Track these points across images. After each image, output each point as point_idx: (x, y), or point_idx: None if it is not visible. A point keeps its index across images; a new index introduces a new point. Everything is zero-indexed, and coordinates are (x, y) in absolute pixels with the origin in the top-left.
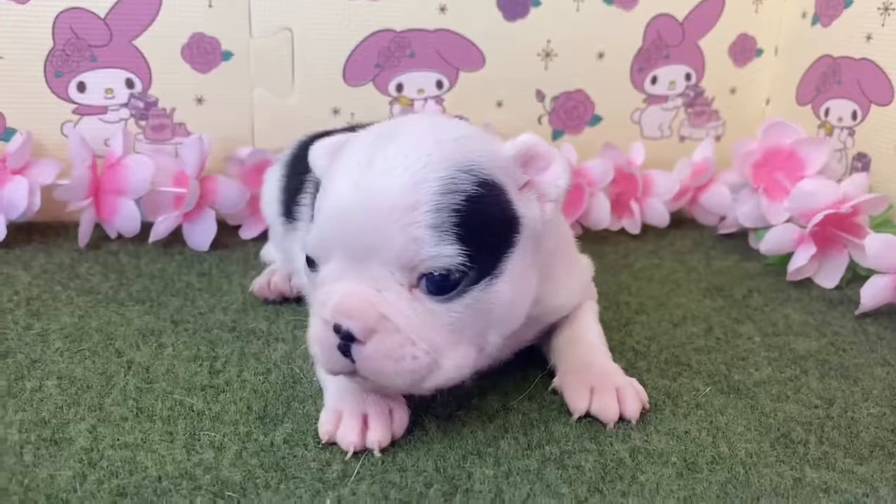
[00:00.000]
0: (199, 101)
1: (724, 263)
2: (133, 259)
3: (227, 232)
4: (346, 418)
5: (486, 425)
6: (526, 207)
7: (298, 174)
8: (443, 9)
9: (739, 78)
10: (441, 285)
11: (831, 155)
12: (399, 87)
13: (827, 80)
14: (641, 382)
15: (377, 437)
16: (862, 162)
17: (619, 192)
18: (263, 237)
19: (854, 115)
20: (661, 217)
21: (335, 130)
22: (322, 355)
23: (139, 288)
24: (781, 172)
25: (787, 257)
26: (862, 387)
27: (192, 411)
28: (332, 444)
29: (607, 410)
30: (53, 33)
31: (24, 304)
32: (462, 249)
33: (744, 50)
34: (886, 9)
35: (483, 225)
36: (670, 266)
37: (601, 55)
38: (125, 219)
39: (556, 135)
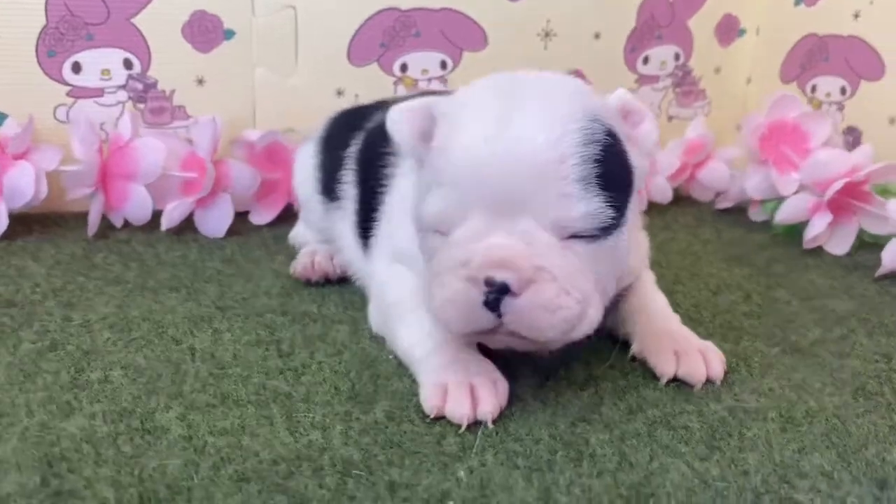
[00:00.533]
0: (200, 82)
1: (734, 235)
2: (148, 248)
3: (236, 218)
4: (454, 391)
5: (580, 393)
6: (636, 158)
7: (335, 151)
8: None
9: (723, 57)
10: (590, 237)
11: (833, 128)
12: (403, 67)
13: (813, 57)
14: None
15: (489, 408)
16: (853, 135)
17: None
18: (277, 223)
19: (843, 91)
20: (664, 193)
21: (367, 106)
22: (459, 315)
23: (167, 276)
24: (787, 145)
25: (794, 227)
26: None
27: (279, 394)
28: (439, 417)
29: (695, 373)
30: (46, 9)
31: (52, 295)
32: (607, 200)
33: (728, 30)
34: None
35: (617, 174)
36: (685, 239)
37: (597, 35)
38: (136, 206)
39: None
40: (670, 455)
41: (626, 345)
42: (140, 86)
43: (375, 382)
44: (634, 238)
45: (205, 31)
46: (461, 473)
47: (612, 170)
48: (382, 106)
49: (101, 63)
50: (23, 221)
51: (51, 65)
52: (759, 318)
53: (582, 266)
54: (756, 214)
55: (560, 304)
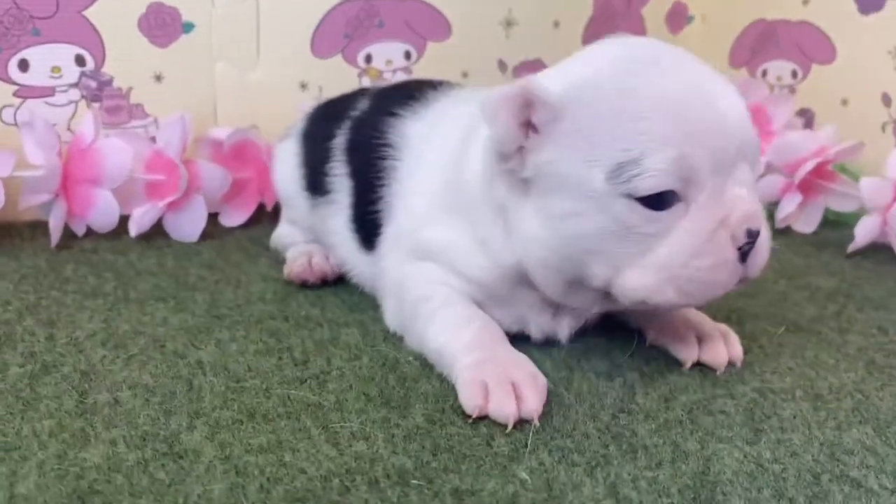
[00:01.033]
0: (158, 78)
1: None
2: (119, 256)
3: (206, 221)
4: (496, 389)
5: (611, 384)
6: None
7: (320, 144)
8: None
9: (675, 44)
10: None
11: (793, 110)
12: (368, 59)
13: (763, 42)
14: None
15: (534, 405)
16: (805, 117)
17: None
18: (249, 224)
19: (794, 74)
20: None
21: (347, 95)
22: (728, 276)
23: (148, 286)
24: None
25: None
26: (894, 314)
27: (309, 405)
28: (481, 417)
29: (718, 357)
30: None
31: (28, 313)
32: None
33: (678, 17)
34: None
35: None
36: None
37: (557, 24)
38: (101, 212)
39: None
40: (719, 441)
41: (640, 334)
42: (94, 84)
43: (404, 385)
44: None
45: (162, 25)
46: (523, 475)
47: None
48: (364, 94)
49: (50, 60)
50: None
51: None
52: (753, 298)
53: None
54: None
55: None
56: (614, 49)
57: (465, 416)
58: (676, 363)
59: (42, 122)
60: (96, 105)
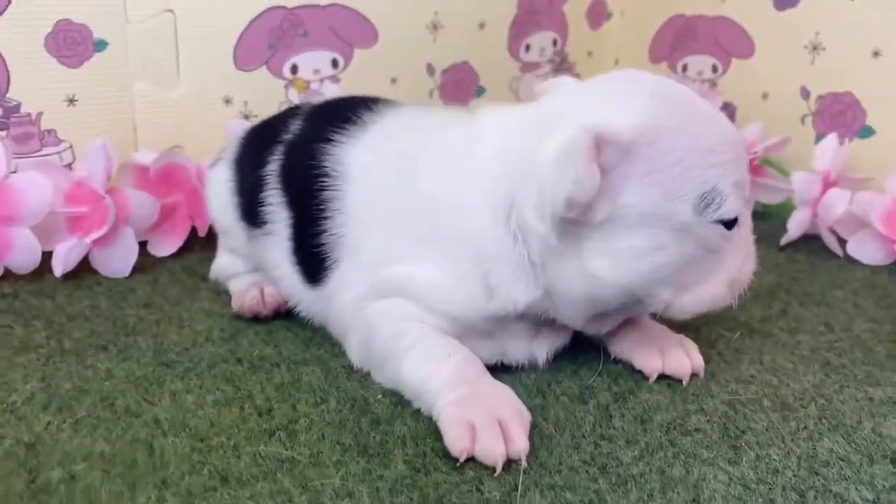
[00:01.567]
0: (71, 101)
1: None
2: (46, 300)
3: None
4: (483, 431)
5: (585, 407)
6: None
7: (254, 171)
8: None
9: (595, 41)
10: None
11: (719, 106)
12: (294, 69)
13: (682, 37)
14: None
15: (521, 445)
16: (728, 111)
17: None
18: (181, 253)
19: (714, 69)
20: None
21: (277, 117)
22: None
23: (84, 333)
24: None
25: None
26: (838, 308)
27: (283, 461)
28: (469, 460)
29: (682, 368)
30: None
31: None
32: None
33: (597, 14)
34: None
35: None
36: None
37: (482, 25)
38: (21, 253)
39: None
40: (702, 463)
41: (603, 349)
42: None
43: (378, 428)
44: None
45: (72, 44)
46: None
47: None
48: (296, 115)
49: None
50: None
51: None
52: None
53: None
54: None
55: None
56: (643, 85)
57: (449, 458)
58: (643, 377)
59: None
60: (3, 133)
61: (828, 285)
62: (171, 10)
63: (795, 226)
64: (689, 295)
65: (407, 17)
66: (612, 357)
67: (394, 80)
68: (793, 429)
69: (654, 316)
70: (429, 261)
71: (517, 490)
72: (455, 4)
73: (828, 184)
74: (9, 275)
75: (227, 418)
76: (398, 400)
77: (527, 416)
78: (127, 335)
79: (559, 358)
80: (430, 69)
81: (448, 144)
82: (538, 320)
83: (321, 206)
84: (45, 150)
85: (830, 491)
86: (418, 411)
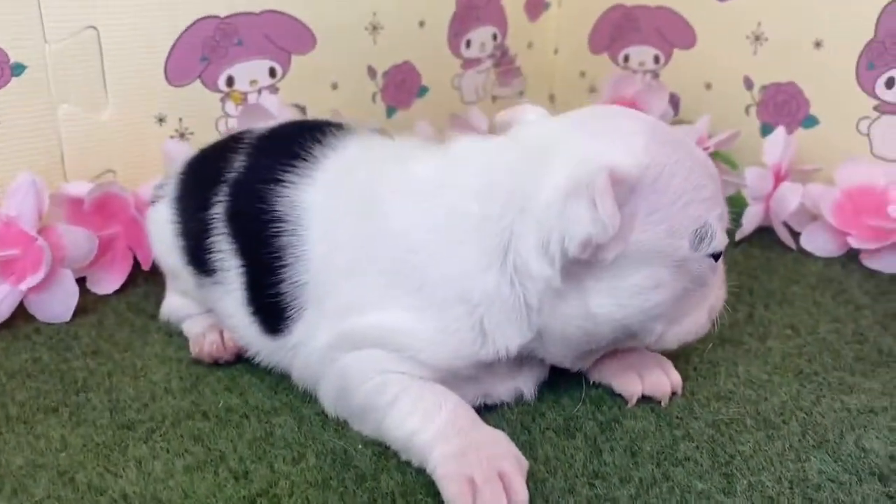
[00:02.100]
0: None
1: None
2: None
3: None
4: (485, 486)
5: (572, 442)
6: None
7: (196, 215)
8: None
9: (534, 32)
10: None
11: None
12: (230, 81)
13: (623, 28)
14: None
15: (523, 496)
16: (672, 102)
17: None
18: (125, 287)
19: (656, 60)
20: None
21: (217, 148)
22: None
23: (29, 395)
24: None
25: None
26: (800, 307)
27: None
28: None
29: (661, 388)
30: None
31: None
32: None
33: (536, 5)
34: None
35: None
36: None
37: (422, 23)
38: None
39: (390, 112)
40: (698, 497)
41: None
42: None
43: (363, 486)
44: None
45: None
46: None
47: None
48: (238, 147)
49: None
50: None
51: None
52: None
53: None
54: None
55: None
56: (633, 122)
57: None
58: (625, 401)
59: None
60: None
61: (786, 281)
62: (93, 27)
63: (749, 221)
64: (677, 327)
65: (345, 20)
66: (591, 381)
67: (335, 86)
68: (779, 449)
69: None
70: (406, 307)
71: None
72: (394, 4)
73: (779, 177)
74: None
75: (202, 487)
76: (381, 450)
77: (525, 463)
78: (77, 393)
79: (539, 387)
80: (372, 72)
81: (418, 179)
82: (521, 357)
83: (277, 254)
84: None
85: None
86: (404, 462)
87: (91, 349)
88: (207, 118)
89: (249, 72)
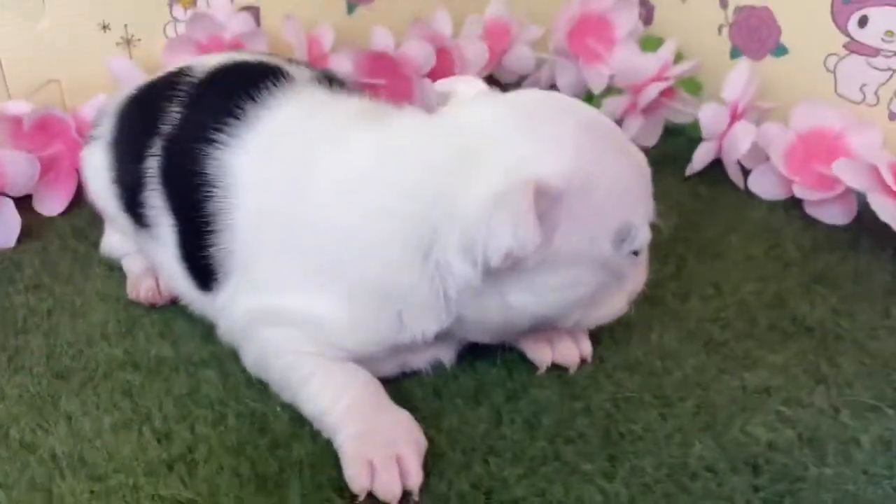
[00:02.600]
0: None
1: None
2: None
3: (21, 210)
4: (381, 468)
5: (478, 411)
6: None
7: (131, 165)
8: None
9: None
10: None
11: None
12: None
13: None
14: None
15: (416, 479)
16: (646, 8)
17: None
18: (70, 209)
19: None
20: None
21: (156, 87)
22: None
23: None
24: (593, 37)
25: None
26: (730, 261)
27: (182, 502)
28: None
29: (569, 357)
30: None
31: None
32: None
33: None
34: None
35: None
36: None
37: None
38: None
39: (350, 8)
40: (581, 479)
41: None
42: None
43: (276, 453)
44: None
45: None
46: None
47: None
48: (176, 92)
49: None
50: None
51: None
52: None
53: None
54: None
55: None
56: (568, 121)
57: (345, 490)
58: (535, 368)
59: None
60: None
61: (724, 229)
62: None
63: (700, 158)
64: (594, 312)
65: None
66: (506, 345)
67: None
68: (669, 431)
69: None
70: (326, 294)
71: None
72: None
73: (735, 116)
74: None
75: (126, 448)
76: (297, 415)
77: (423, 445)
78: (17, 334)
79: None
80: None
81: (349, 169)
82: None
83: (206, 219)
84: None
85: None
86: (316, 430)
87: (33, 283)
88: (154, 24)
89: None
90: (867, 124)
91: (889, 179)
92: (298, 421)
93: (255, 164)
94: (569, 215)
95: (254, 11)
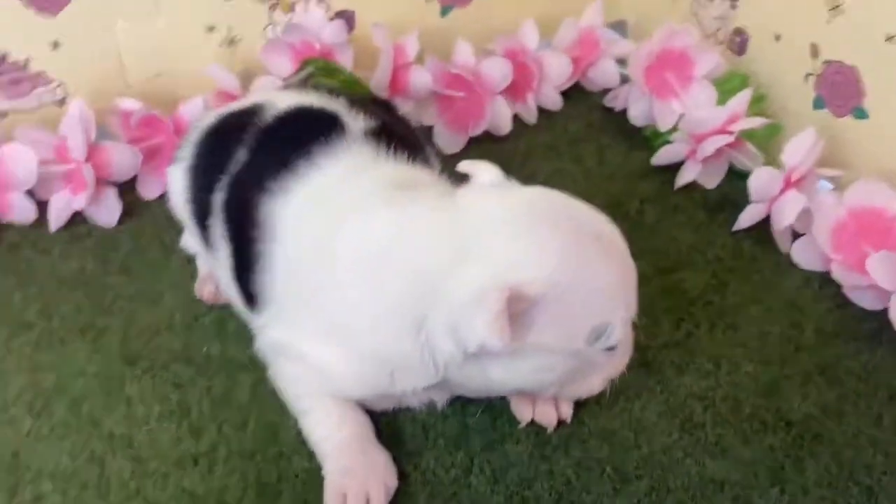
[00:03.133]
0: (55, 45)
1: (616, 157)
2: (42, 256)
3: (125, 192)
4: (352, 500)
5: (453, 455)
6: None
7: (201, 193)
8: None
9: None
10: None
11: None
12: None
13: None
14: None
15: None
16: (740, 38)
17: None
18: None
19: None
20: (554, 102)
21: (232, 124)
22: None
23: (70, 308)
24: (672, 72)
25: (668, 137)
26: (743, 335)
27: (197, 498)
28: None
29: (547, 417)
30: None
31: None
32: None
33: None
34: None
35: None
36: (569, 171)
37: None
38: (19, 211)
39: (445, 11)
40: None
41: None
42: None
43: (278, 464)
44: None
45: None
46: None
47: None
48: (245, 132)
49: None
50: None
51: None
52: None
53: None
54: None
55: None
56: (558, 229)
57: None
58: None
59: None
60: None
61: (750, 298)
62: None
63: (747, 218)
64: (570, 388)
65: None
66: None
67: None
68: None
69: None
70: (336, 349)
71: None
72: None
73: (789, 183)
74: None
75: (165, 438)
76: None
77: (392, 487)
78: (103, 314)
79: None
80: None
81: (370, 241)
82: None
83: (253, 257)
84: (38, 90)
85: None
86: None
87: (125, 266)
88: (255, 27)
89: None
90: None
91: None
92: (302, 438)
93: (297, 219)
94: (545, 316)
95: (348, 15)
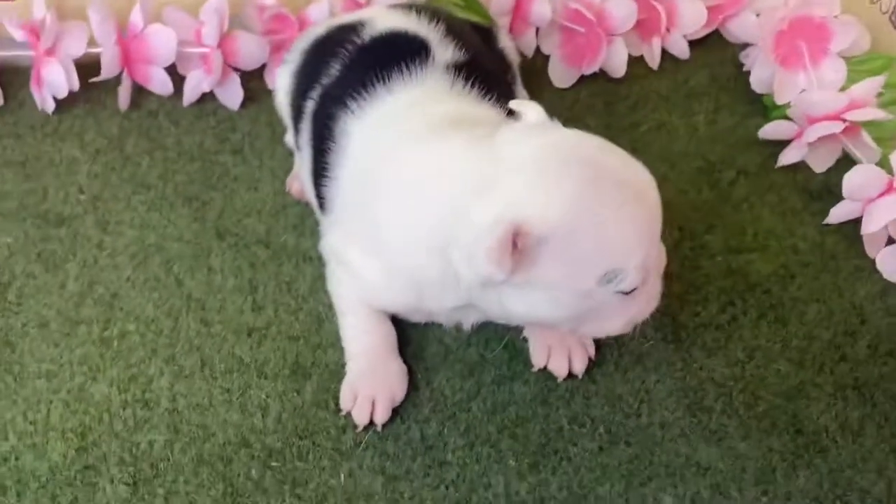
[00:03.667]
0: None
1: (728, 120)
2: (171, 126)
3: (251, 79)
4: (360, 400)
5: (462, 384)
6: None
7: (299, 99)
8: None
9: None
10: None
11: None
12: None
13: None
14: None
15: (381, 419)
16: None
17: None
18: None
19: None
20: (681, 50)
21: (330, 41)
22: None
23: (184, 178)
24: (805, 41)
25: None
26: (787, 332)
27: (243, 364)
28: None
29: (559, 370)
30: None
31: (92, 208)
32: None
33: None
34: None
35: None
36: (675, 126)
37: None
38: (159, 84)
39: None
40: (498, 472)
41: None
42: None
43: (315, 352)
44: None
45: None
46: (342, 477)
47: None
48: (339, 51)
49: None
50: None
51: None
52: (666, 281)
53: None
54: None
55: None
56: (576, 171)
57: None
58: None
59: (98, 16)
60: None
61: (816, 296)
62: None
63: (838, 214)
64: (588, 327)
65: None
66: (523, 336)
67: None
68: (592, 466)
69: None
70: (374, 262)
71: (359, 447)
72: None
73: (891, 188)
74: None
75: (232, 307)
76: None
77: (398, 398)
78: (209, 189)
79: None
80: None
81: (411, 170)
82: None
83: (326, 164)
84: None
85: None
86: (306, 442)
87: (238, 147)
88: None
89: None
90: None
91: None
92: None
93: (364, 139)
94: (553, 254)
95: None
